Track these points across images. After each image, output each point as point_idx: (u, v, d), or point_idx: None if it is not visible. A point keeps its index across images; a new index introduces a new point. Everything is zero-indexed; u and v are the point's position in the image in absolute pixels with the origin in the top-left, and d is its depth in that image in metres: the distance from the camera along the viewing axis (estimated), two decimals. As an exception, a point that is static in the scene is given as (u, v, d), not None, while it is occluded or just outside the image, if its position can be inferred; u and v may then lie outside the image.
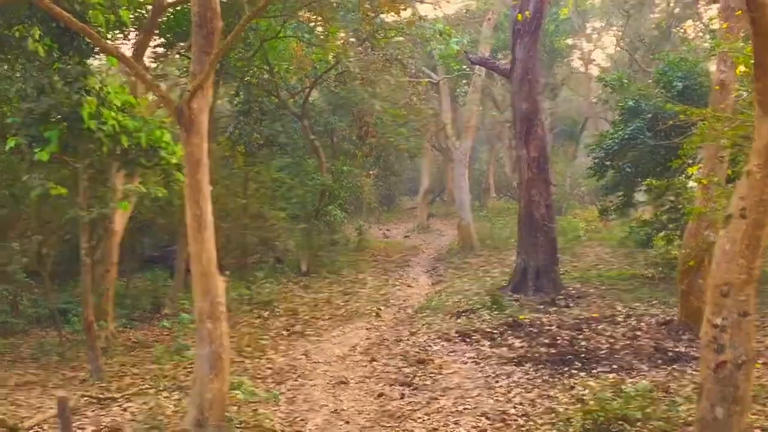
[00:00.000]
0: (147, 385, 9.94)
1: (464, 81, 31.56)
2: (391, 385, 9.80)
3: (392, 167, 34.13)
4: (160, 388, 9.70)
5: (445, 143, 31.67)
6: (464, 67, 26.54)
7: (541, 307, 14.52)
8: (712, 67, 14.42)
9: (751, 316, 5.62)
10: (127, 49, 14.52)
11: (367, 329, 13.72)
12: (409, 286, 19.29)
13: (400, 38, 21.67)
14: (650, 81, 20.26)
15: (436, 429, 8.00)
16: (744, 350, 5.58)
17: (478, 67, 24.68)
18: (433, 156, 37.62)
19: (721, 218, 5.89)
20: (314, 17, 18.54)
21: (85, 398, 9.41)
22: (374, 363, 11.07)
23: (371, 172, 31.77)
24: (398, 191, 44.16)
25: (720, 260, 5.70)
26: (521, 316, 13.46)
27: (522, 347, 11.42)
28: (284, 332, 13.49)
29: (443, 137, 30.99)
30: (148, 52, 15.74)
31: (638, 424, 7.25)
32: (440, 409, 8.60)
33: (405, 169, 38.57)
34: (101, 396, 9.49)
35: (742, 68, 10.14)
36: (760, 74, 5.35)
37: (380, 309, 15.62)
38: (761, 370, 9.05)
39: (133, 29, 14.54)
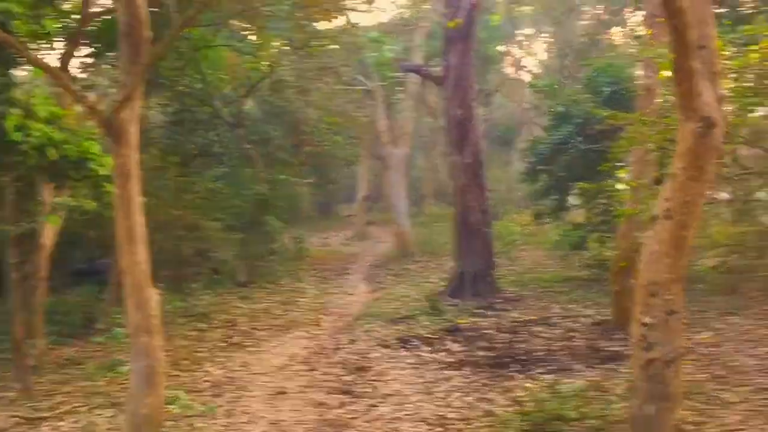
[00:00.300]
0: (79, 403, 9.66)
1: (399, 88, 31.72)
2: (330, 393, 9.74)
3: (329, 175, 34.07)
4: (93, 406, 9.43)
5: (381, 150, 31.76)
6: (399, 74, 26.69)
7: (479, 311, 14.66)
8: (639, 72, 14.79)
9: (679, 313, 5.77)
10: (54, 59, 14.15)
11: (306, 338, 13.61)
12: (348, 293, 19.24)
13: (335, 46, 21.67)
14: (580, 86, 20.69)
15: (376, 436, 8.00)
16: (672, 348, 5.73)
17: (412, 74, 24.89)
18: (370, 163, 37.69)
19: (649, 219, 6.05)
20: (247, 26, 18.41)
21: (15, 419, 9.10)
22: (314, 372, 10.98)
23: (308, 181, 31.64)
24: (336, 199, 44.10)
25: (647, 260, 5.85)
26: (459, 321, 13.58)
27: (461, 351, 11.50)
28: (222, 344, 13.28)
29: (379, 144, 31.09)
30: (78, 61, 15.38)
31: (574, 423, 7.37)
32: (380, 417, 8.58)
33: (342, 177, 38.53)
34: (31, 416, 9.19)
35: (666, 73, 10.42)
36: (680, 79, 5.52)
37: (320, 317, 15.53)
38: (691, 367, 9.30)
39: (60, 39, 14.16)
